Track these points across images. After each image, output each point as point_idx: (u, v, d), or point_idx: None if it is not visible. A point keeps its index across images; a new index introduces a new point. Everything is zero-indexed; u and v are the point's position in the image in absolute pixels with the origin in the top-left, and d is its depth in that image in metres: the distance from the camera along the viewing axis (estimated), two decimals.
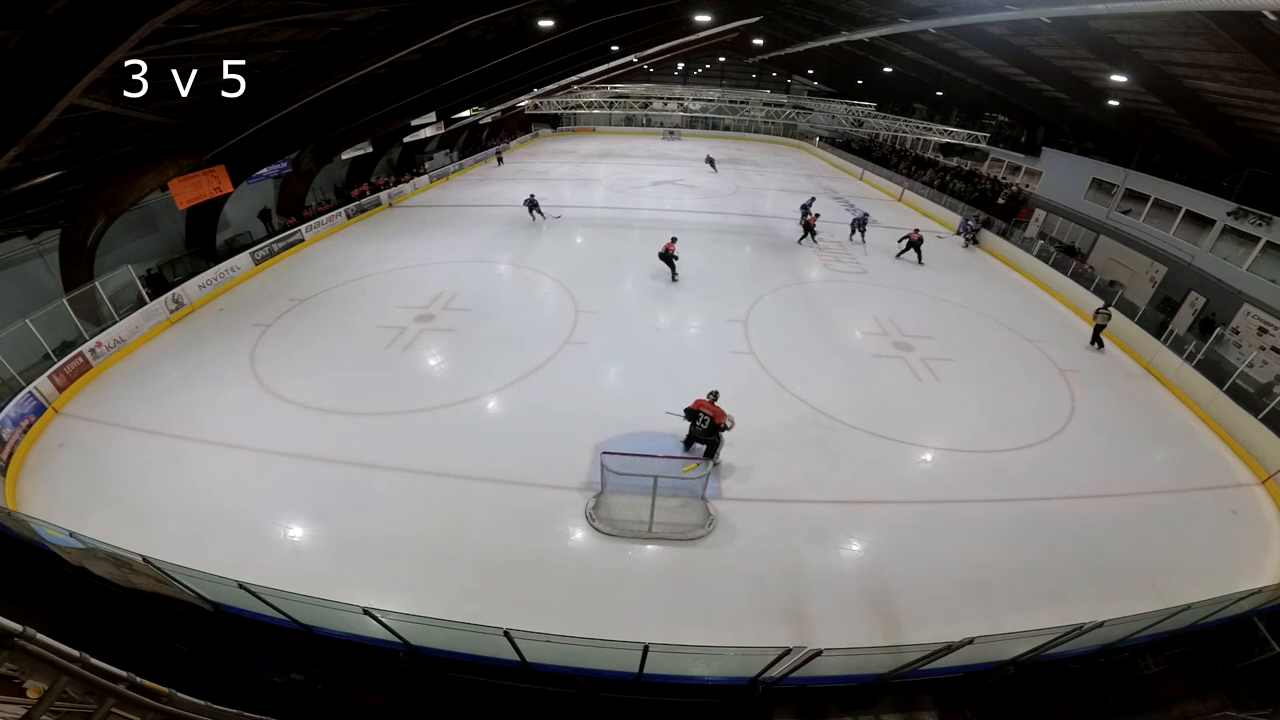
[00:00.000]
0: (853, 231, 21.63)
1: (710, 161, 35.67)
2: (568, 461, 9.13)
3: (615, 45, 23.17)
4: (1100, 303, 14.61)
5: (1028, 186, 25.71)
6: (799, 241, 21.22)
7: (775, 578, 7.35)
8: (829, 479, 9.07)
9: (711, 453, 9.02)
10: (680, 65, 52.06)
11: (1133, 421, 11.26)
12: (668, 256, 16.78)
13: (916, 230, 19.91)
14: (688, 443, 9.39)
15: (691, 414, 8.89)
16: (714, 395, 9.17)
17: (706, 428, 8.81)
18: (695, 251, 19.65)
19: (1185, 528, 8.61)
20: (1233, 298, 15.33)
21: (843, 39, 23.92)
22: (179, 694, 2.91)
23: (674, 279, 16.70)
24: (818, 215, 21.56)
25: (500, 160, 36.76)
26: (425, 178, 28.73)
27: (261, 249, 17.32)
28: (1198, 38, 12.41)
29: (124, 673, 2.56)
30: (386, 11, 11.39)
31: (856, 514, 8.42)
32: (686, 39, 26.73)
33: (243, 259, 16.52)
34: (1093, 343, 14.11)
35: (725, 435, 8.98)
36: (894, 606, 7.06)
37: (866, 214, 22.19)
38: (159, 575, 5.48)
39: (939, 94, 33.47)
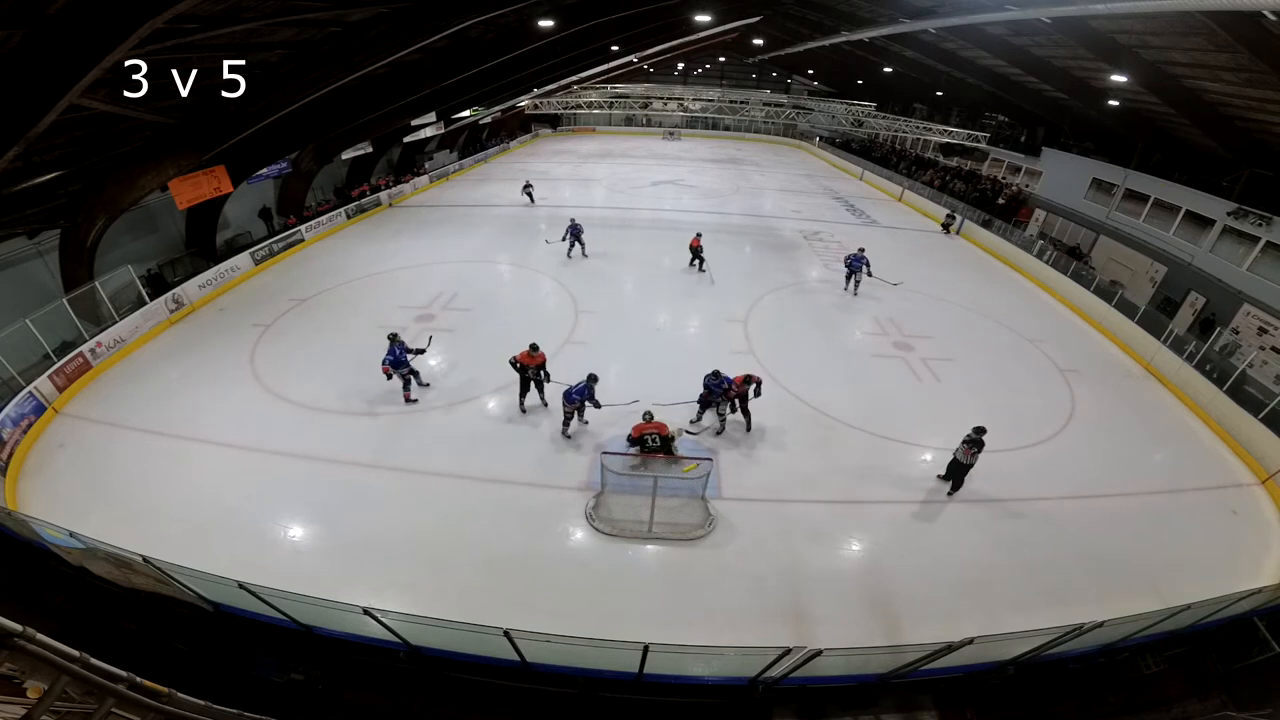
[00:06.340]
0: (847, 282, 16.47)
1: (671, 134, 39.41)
2: (568, 461, 9.15)
3: (615, 45, 23.19)
4: None
5: (1028, 186, 25.70)
6: None
7: (775, 578, 7.35)
8: (829, 479, 9.06)
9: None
10: (680, 65, 52.04)
11: (1133, 421, 11.25)
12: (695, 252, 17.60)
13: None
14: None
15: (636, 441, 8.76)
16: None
17: (658, 445, 8.71)
18: None
19: (1185, 528, 8.61)
20: (1233, 298, 15.33)
21: (843, 39, 23.93)
22: (179, 694, 2.91)
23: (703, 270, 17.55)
24: None
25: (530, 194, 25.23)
26: (425, 178, 28.71)
27: (261, 249, 17.31)
28: (1198, 38, 12.41)
29: (124, 673, 2.56)
30: (386, 11, 11.39)
31: (856, 514, 8.42)
32: (686, 39, 26.71)
33: (243, 259, 16.51)
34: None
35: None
36: (894, 606, 7.06)
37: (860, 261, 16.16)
38: (159, 575, 5.48)
39: (939, 94, 33.47)
